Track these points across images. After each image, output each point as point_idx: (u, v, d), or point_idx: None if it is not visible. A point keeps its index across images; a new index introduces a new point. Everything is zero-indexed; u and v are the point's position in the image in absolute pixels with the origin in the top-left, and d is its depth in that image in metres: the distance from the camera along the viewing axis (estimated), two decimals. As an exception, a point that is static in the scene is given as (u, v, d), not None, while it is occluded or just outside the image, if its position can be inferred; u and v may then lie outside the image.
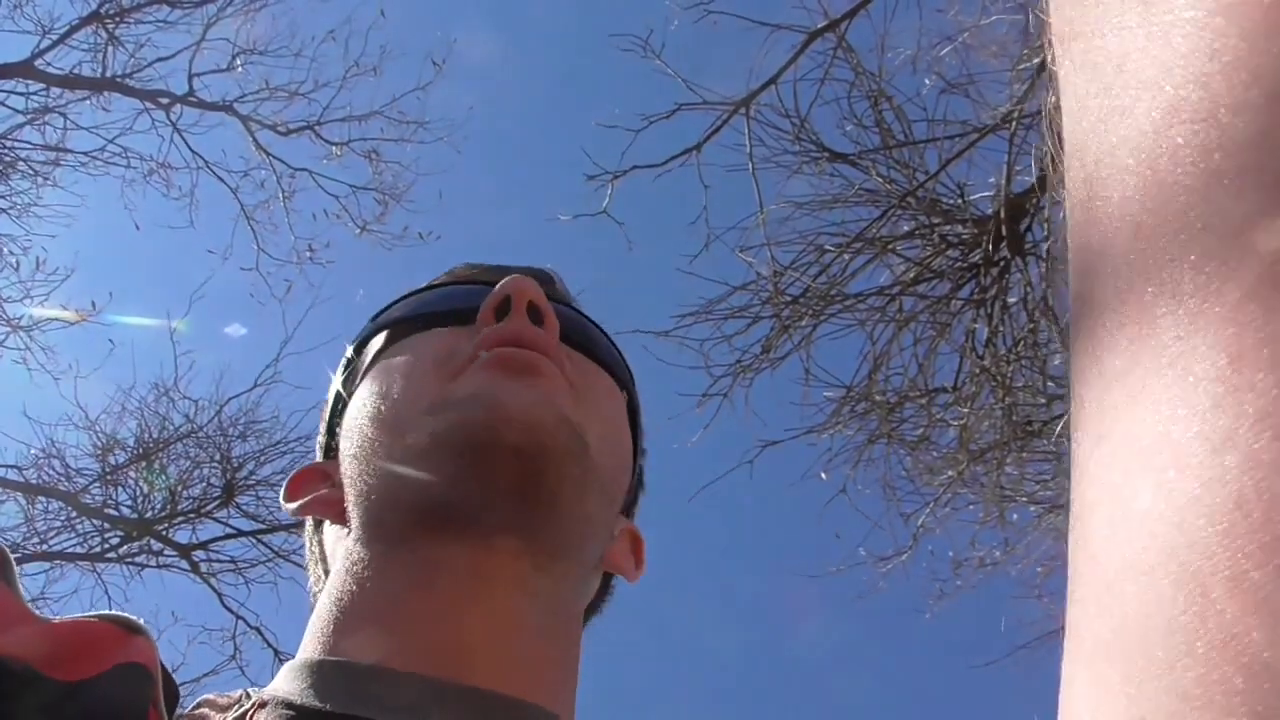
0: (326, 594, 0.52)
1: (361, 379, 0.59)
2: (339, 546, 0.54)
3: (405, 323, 0.60)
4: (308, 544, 0.63)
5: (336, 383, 0.62)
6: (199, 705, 0.48)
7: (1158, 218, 0.16)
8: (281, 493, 0.59)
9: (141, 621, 0.46)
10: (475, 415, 0.48)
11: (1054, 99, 0.21)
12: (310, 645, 0.50)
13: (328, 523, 0.58)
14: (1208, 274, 0.15)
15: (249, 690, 0.48)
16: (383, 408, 0.54)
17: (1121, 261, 0.17)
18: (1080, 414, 0.18)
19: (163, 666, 0.45)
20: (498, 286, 0.56)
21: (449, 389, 0.52)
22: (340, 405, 0.61)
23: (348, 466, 0.54)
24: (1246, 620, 0.13)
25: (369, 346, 0.61)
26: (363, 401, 0.56)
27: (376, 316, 0.62)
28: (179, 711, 0.47)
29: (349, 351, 0.63)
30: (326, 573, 0.57)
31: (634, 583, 0.62)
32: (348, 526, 0.54)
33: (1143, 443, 0.16)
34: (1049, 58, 0.21)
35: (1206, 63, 0.16)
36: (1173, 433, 0.15)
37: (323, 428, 0.64)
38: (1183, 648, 0.14)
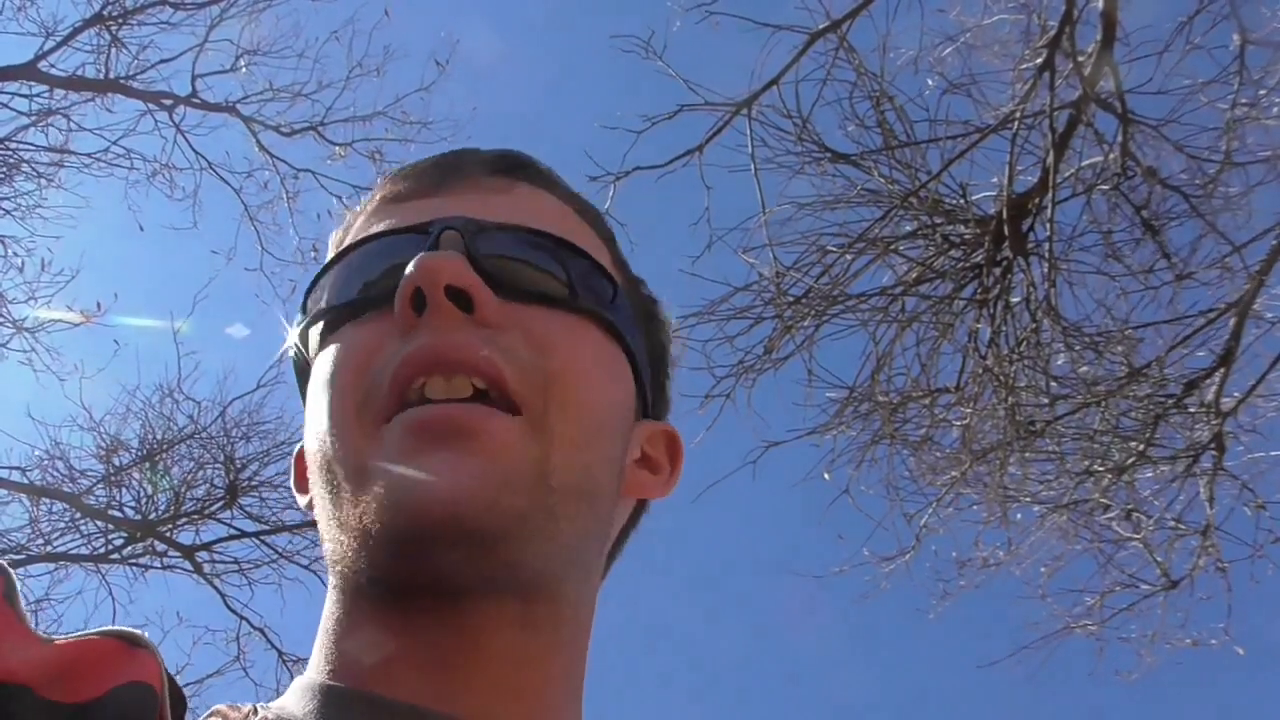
0: (324, 614, 0.51)
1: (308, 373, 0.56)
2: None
3: (330, 311, 0.55)
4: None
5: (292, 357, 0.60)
6: (211, 714, 0.48)
7: None
8: (292, 479, 0.57)
9: (144, 634, 0.45)
10: (399, 498, 0.45)
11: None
12: (315, 663, 0.50)
13: None
14: None
15: (258, 706, 0.48)
16: (315, 449, 0.52)
17: None
18: None
19: (167, 674, 0.45)
20: (406, 274, 0.49)
21: (369, 452, 0.48)
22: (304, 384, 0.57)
23: (312, 493, 0.52)
24: None
25: (308, 332, 0.57)
26: (307, 421, 0.54)
27: (312, 285, 0.57)
28: (189, 718, 0.47)
29: (295, 330, 0.58)
30: None
31: (666, 496, 0.59)
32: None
33: None
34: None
35: None
36: None
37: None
38: None
